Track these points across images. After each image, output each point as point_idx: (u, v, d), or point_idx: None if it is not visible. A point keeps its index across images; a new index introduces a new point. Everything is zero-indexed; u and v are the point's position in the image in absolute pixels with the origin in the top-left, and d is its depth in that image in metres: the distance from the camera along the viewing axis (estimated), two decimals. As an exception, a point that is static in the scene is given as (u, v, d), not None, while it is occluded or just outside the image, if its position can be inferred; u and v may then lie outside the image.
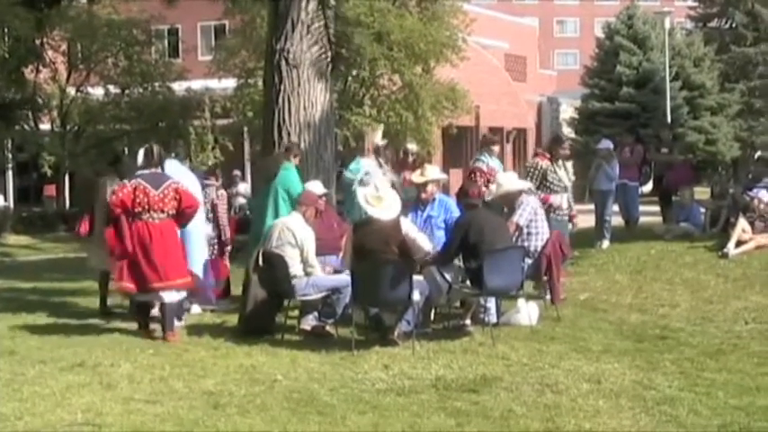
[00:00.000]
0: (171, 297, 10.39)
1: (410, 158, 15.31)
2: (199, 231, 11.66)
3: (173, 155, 12.16)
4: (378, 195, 10.05)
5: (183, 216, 10.61)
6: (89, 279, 15.05)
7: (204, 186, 12.53)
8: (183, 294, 10.74)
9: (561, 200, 12.96)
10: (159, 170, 10.66)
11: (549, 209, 12.53)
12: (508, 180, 11.60)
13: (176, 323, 10.57)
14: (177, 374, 8.56)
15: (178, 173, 11.23)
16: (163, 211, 10.37)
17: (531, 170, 13.08)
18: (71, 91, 30.12)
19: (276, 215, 10.85)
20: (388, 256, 9.68)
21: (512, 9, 67.75)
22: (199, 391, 7.99)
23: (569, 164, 13.33)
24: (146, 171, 10.55)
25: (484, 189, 12.51)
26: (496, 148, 13.77)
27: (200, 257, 11.51)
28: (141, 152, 10.77)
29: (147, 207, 10.30)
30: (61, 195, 31.67)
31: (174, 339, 10.19)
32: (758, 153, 48.61)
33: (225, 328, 10.72)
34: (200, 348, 9.69)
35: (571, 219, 13.45)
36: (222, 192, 13.14)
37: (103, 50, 30.24)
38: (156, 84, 29.97)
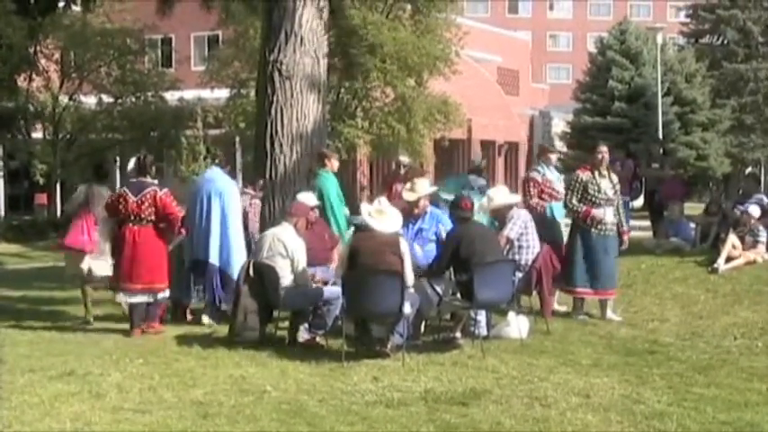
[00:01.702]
0: (140, 298, 11.13)
1: (402, 170, 15.35)
2: (239, 238, 12.06)
3: (216, 162, 12.39)
4: (380, 209, 10.07)
5: (166, 222, 11.24)
6: (79, 288, 15.04)
7: (242, 194, 13.05)
8: (161, 296, 11.33)
9: (604, 213, 11.83)
10: (148, 179, 11.27)
11: (592, 222, 11.82)
12: (499, 194, 11.61)
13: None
14: (167, 384, 8.55)
15: (220, 179, 11.97)
16: (141, 218, 11.06)
17: (572, 183, 12.15)
18: (64, 99, 30.11)
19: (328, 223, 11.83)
20: (380, 266, 9.68)
21: (505, 23, 68.01)
22: (188, 401, 7.98)
23: (614, 175, 12.19)
24: (133, 179, 11.34)
25: (536, 200, 12.51)
26: (554, 157, 13.48)
27: (237, 264, 11.58)
28: (132, 161, 11.52)
29: (127, 213, 11.08)
30: (52, 204, 31.60)
31: (155, 328, 11.16)
32: (748, 169, 48.90)
33: (215, 338, 10.71)
34: (190, 358, 9.68)
35: (620, 235, 12.12)
36: (256, 201, 13.31)
37: (96, 59, 30.26)
38: (149, 93, 30.00)
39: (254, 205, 13.54)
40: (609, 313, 11.86)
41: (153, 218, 11.10)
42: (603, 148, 12.07)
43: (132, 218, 11.08)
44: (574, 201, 11.92)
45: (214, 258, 11.76)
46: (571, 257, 11.95)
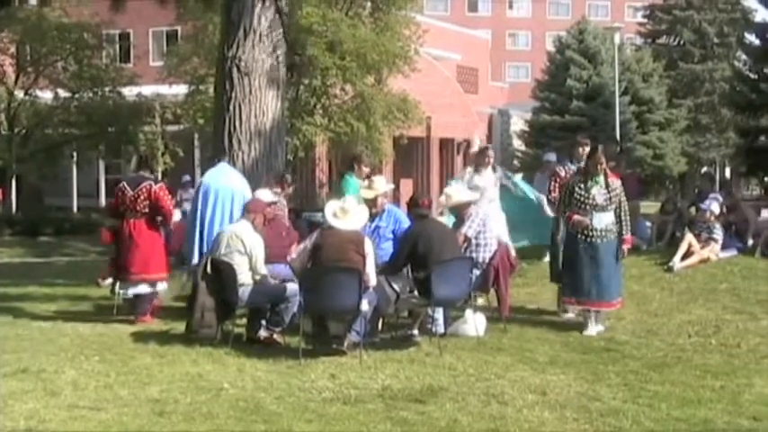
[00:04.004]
0: (143, 289, 11.66)
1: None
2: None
3: (223, 158, 12.38)
4: (344, 207, 10.06)
5: (160, 215, 11.80)
6: (34, 284, 14.93)
7: None
8: (160, 286, 11.88)
9: (591, 219, 10.92)
10: (146, 173, 12.03)
11: (577, 229, 11.00)
12: (457, 192, 11.63)
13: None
14: (122, 381, 8.50)
15: (228, 174, 12.02)
16: (136, 210, 11.66)
17: (564, 188, 11.54)
18: (19, 94, 29.78)
19: None
20: (342, 263, 9.67)
21: (464, 21, 68.16)
22: (144, 399, 7.94)
23: (614, 180, 11.13)
24: (133, 174, 12.17)
25: (555, 195, 12.36)
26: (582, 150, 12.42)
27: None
28: (134, 159, 11.88)
29: (126, 206, 11.70)
30: (7, 199, 31.25)
31: (145, 320, 11.54)
32: (704, 168, 49.39)
33: (171, 336, 10.66)
34: (146, 355, 9.62)
35: (620, 243, 11.09)
36: (280, 199, 13.10)
37: (53, 54, 29.91)
38: (107, 88, 29.68)
39: (279, 205, 13.13)
40: (590, 327, 10.92)
41: (147, 210, 11.68)
42: (602, 159, 11.01)
43: (129, 211, 11.69)
44: (561, 206, 11.36)
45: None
46: (561, 266, 11.40)
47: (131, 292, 11.74)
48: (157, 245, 11.85)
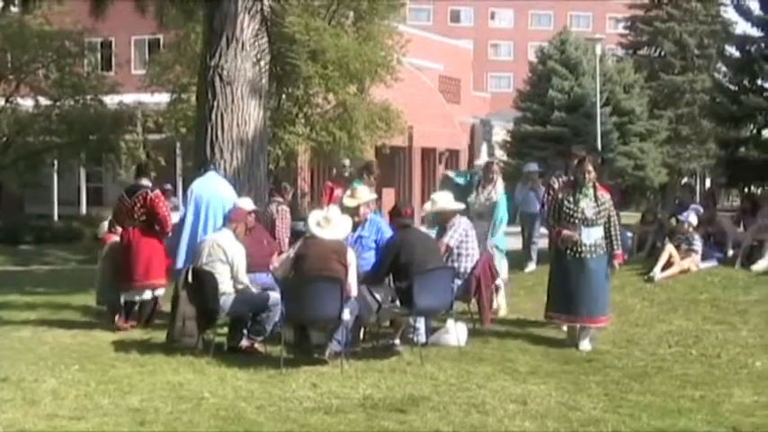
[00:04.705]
0: (147, 295, 11.81)
1: (346, 173, 15.31)
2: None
3: (212, 166, 12.46)
4: (327, 217, 10.06)
5: (156, 222, 11.84)
6: (14, 292, 14.85)
7: (270, 202, 13.20)
8: (159, 292, 11.97)
9: (579, 234, 10.61)
10: (144, 181, 12.13)
11: (565, 244, 10.69)
12: (443, 199, 11.63)
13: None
14: (103, 390, 8.46)
15: (216, 183, 12.03)
16: (134, 218, 11.80)
17: (551, 201, 11.43)
18: (0, 101, 29.64)
19: None
20: (324, 273, 9.66)
21: (447, 31, 68.30)
22: (125, 408, 7.91)
23: (604, 194, 10.80)
24: (131, 183, 12.40)
25: None
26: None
27: None
28: (134, 167, 12.66)
29: (124, 215, 11.93)
30: (-12, 206, 31.12)
31: (124, 326, 11.61)
32: (684, 179, 49.59)
33: (152, 345, 10.62)
34: (127, 365, 9.59)
35: (611, 258, 10.80)
36: (284, 207, 13.15)
37: (34, 61, 29.78)
38: (88, 97, 29.56)
39: (282, 212, 13.20)
40: (583, 343, 10.61)
41: (144, 218, 11.81)
42: (589, 167, 10.74)
43: (128, 219, 11.89)
44: (551, 220, 11.02)
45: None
46: (549, 281, 11.12)
47: (137, 298, 11.85)
48: (156, 251, 11.90)
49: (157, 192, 12.05)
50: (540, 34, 73.62)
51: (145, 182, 12.19)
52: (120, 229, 12.27)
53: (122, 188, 12.38)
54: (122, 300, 11.96)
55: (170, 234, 12.00)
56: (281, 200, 13.36)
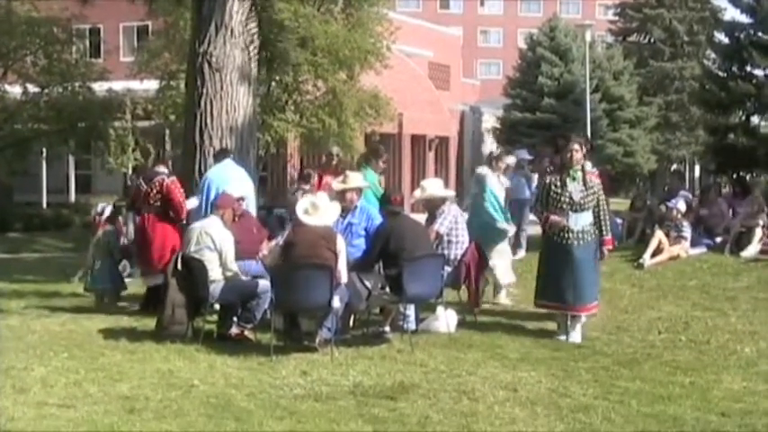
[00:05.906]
0: (157, 280, 11.51)
1: (334, 161, 15.28)
2: None
3: (230, 154, 12.44)
4: (315, 203, 10.03)
5: (171, 208, 11.96)
6: (3, 280, 14.83)
7: (296, 190, 13.59)
8: None
9: (567, 219, 10.40)
10: (161, 168, 12.36)
11: (552, 229, 10.50)
12: (432, 186, 11.62)
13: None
14: (92, 378, 8.44)
15: (231, 171, 12.08)
16: (150, 204, 11.99)
17: (540, 187, 11.25)
18: (-13, 88, 29.51)
19: None
20: (314, 260, 9.65)
21: (436, 18, 68.21)
22: (114, 396, 7.89)
23: (593, 178, 10.56)
24: (149, 170, 12.72)
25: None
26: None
27: None
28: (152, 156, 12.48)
29: (141, 201, 12.16)
30: (-23, 195, 30.99)
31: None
32: (674, 166, 49.66)
33: (142, 332, 10.60)
34: (117, 352, 9.57)
35: (601, 244, 10.60)
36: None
37: (22, 48, 29.61)
38: (77, 84, 29.41)
39: None
40: (573, 334, 10.41)
41: (160, 204, 11.97)
42: (575, 146, 10.47)
43: (144, 205, 12.11)
44: (539, 206, 10.76)
45: None
46: (538, 268, 10.88)
47: (152, 283, 11.90)
48: (170, 237, 11.93)
49: (173, 179, 12.14)
50: (530, 21, 73.62)
51: (162, 169, 12.36)
52: (121, 220, 12.37)
53: (142, 175, 12.59)
54: (145, 286, 12.23)
55: (184, 221, 11.96)
56: (306, 187, 13.45)
